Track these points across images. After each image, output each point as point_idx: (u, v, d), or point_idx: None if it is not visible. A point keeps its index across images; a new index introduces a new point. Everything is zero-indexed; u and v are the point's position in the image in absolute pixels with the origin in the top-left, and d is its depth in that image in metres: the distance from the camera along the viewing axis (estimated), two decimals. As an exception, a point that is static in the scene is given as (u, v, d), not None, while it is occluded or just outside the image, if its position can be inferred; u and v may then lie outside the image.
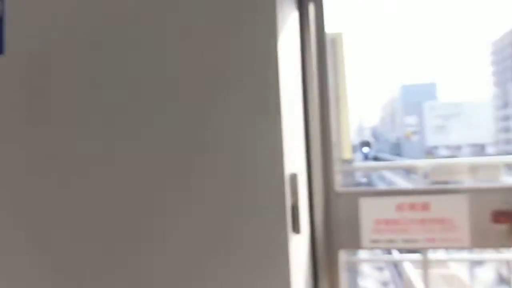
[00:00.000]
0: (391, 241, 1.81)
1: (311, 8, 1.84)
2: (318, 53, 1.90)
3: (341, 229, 1.86)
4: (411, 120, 34.15)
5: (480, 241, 1.78)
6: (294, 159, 1.33)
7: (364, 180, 21.32)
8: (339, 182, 1.87)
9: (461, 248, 1.83)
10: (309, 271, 1.68)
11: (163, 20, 1.24)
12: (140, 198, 1.23)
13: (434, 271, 6.54)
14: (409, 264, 4.96)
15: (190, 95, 1.22)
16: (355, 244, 1.86)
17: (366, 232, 1.83)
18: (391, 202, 1.81)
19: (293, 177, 1.23)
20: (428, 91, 36.68)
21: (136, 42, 1.25)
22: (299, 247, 1.33)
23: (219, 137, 1.20)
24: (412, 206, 1.79)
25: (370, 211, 1.83)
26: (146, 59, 1.24)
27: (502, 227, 1.72)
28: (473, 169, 1.87)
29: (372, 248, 1.86)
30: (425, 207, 1.78)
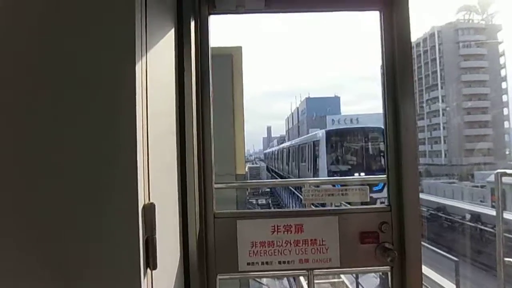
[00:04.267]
0: (267, 263, 1.81)
1: (192, 24, 1.78)
2: (200, 72, 1.83)
3: (218, 253, 1.80)
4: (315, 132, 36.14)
5: (349, 261, 1.85)
6: (156, 187, 1.24)
7: (267, 189, 22.05)
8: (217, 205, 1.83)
9: (331, 268, 1.90)
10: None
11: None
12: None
13: (324, 280, 6.92)
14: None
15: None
16: (232, 268, 1.81)
17: (244, 255, 1.80)
18: (267, 224, 1.81)
19: (149, 208, 1.14)
20: (331, 104, 39.22)
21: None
22: (158, 283, 1.23)
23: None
24: (287, 228, 1.81)
25: (247, 234, 1.80)
26: None
27: (369, 247, 1.82)
28: (343, 190, 1.95)
29: (249, 272, 1.83)
30: (299, 229, 1.81)
